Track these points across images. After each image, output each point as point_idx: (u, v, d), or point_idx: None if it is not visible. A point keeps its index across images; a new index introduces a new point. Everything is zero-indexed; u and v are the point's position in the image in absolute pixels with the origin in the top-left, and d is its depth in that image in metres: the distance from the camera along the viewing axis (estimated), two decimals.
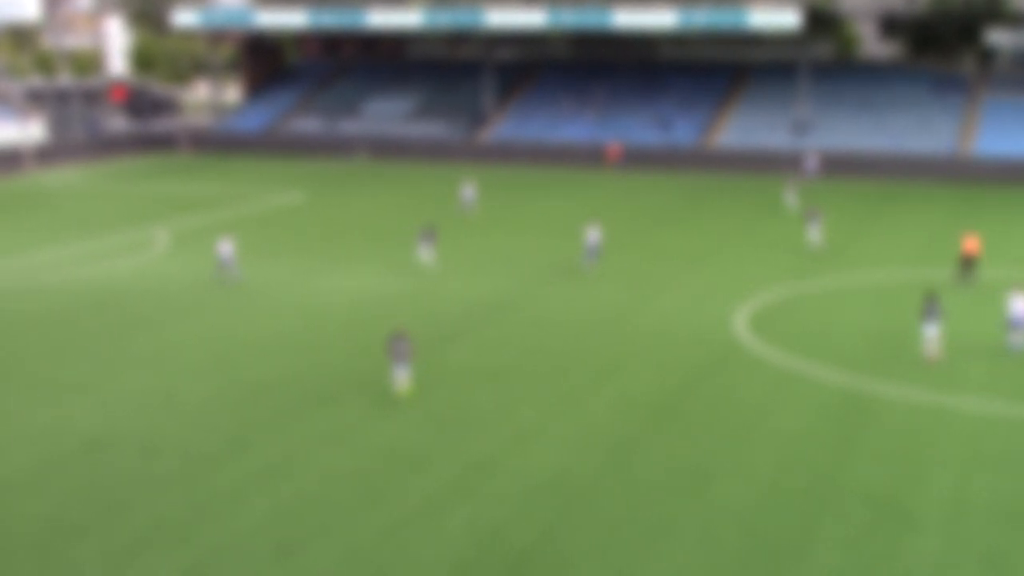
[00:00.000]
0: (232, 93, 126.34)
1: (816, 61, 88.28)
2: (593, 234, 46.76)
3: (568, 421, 29.25)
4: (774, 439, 27.90)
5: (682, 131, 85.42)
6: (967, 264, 44.00)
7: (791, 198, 62.84)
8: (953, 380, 32.44)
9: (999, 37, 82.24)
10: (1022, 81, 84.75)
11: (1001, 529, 22.83)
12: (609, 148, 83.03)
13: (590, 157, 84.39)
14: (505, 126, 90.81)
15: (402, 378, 30.84)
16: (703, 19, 79.62)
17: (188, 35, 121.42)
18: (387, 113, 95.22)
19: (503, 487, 25.07)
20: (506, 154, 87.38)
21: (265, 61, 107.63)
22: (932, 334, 33.62)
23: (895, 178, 76.32)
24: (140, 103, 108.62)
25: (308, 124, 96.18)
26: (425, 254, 47.71)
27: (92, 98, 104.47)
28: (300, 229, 58.60)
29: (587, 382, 32.49)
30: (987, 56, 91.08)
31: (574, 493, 24.70)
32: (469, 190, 62.15)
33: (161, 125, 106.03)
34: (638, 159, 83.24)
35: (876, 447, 27.35)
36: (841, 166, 77.92)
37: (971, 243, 44.22)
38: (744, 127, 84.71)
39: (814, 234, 51.27)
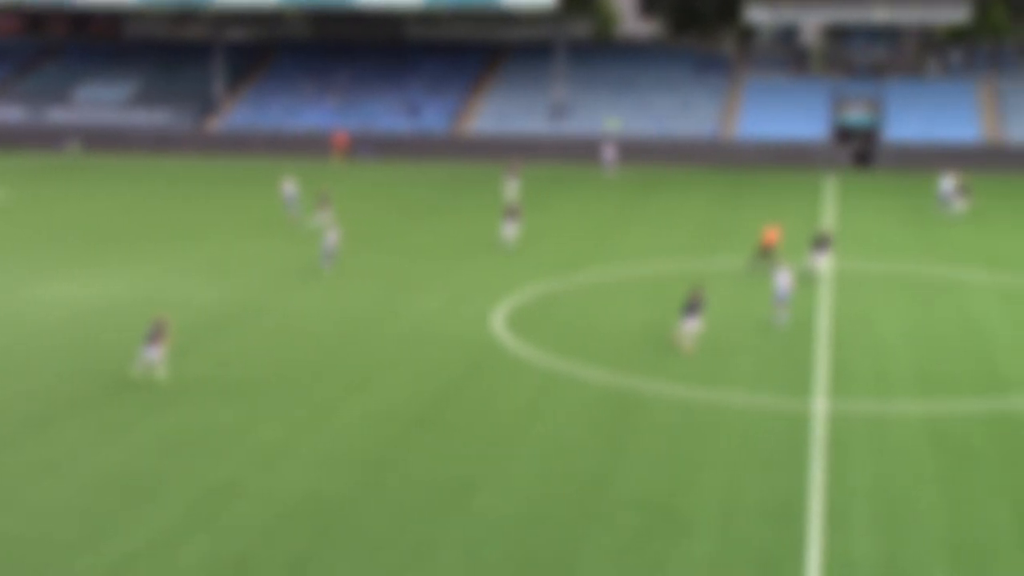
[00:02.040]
0: None
1: (574, 40, 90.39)
2: (331, 235, 46.50)
3: (317, 438, 29.11)
4: (538, 446, 28.51)
5: (432, 117, 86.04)
6: (765, 254, 46.10)
7: (511, 188, 63.14)
8: (721, 373, 33.89)
9: (758, 14, 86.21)
10: (782, 60, 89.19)
11: (772, 527, 24.03)
12: (335, 137, 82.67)
13: (330, 147, 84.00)
14: (238, 114, 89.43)
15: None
16: None
17: None
18: (102, 100, 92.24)
19: (246, 514, 24.74)
20: (240, 144, 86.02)
21: None
22: (690, 328, 35.06)
23: (659, 163, 78.98)
24: None
25: (8, 113, 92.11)
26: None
27: None
28: (4, 232, 56.17)
29: (337, 394, 32.40)
30: (747, 34, 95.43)
31: (326, 517, 24.61)
32: (290, 187, 59.08)
33: None
34: (385, 148, 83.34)
35: (645, 449, 28.32)
36: (599, 150, 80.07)
37: (771, 234, 46.57)
38: (499, 112, 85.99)
39: (509, 232, 51.01)
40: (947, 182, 60.88)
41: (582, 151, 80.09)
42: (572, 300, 42.60)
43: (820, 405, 31.39)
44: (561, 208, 61.79)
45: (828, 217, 59.14)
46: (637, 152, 79.44)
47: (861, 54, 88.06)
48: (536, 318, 40.06)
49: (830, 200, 64.85)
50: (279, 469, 27.15)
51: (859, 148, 79.16)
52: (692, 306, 35.02)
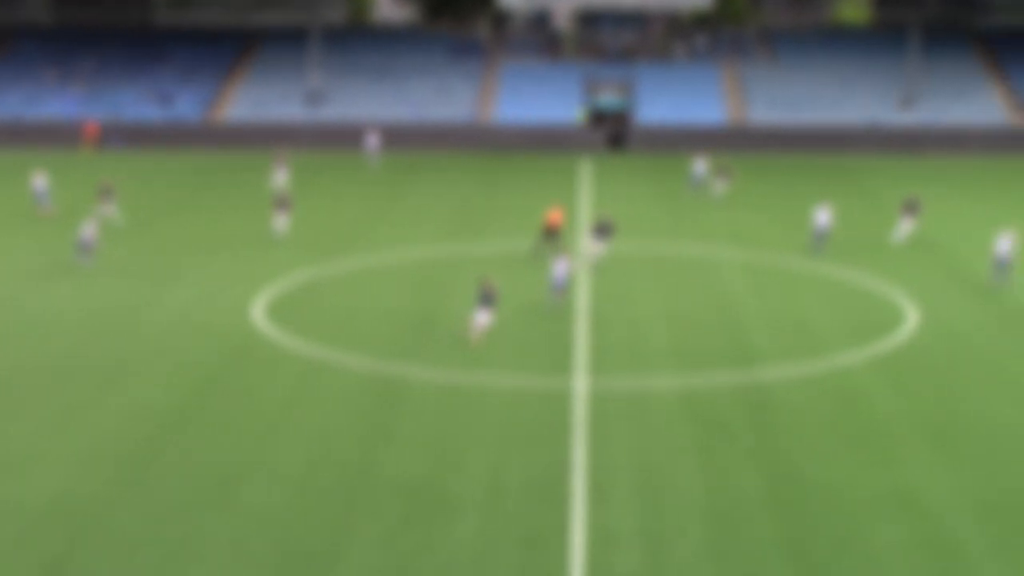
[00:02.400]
0: None
1: (328, 26, 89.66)
2: (88, 228, 44.92)
3: (68, 438, 28.12)
4: (303, 435, 28.29)
5: (185, 105, 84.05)
6: (550, 236, 46.09)
7: (279, 178, 62.19)
8: (485, 356, 34.25)
9: (511, 0, 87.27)
10: (535, 45, 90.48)
11: (537, 504, 24.46)
12: (87, 127, 79.99)
13: (78, 137, 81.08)
14: None
15: None
16: None
17: None
18: None
19: None
20: None
21: None
22: (482, 321, 35.02)
23: (419, 148, 79.12)
24: None
25: None
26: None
27: None
28: None
29: (90, 391, 31.37)
30: (501, 19, 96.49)
31: (81, 519, 23.84)
32: (40, 180, 56.09)
33: None
34: (136, 137, 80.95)
35: (410, 434, 28.43)
36: (359, 137, 79.73)
37: (555, 216, 46.61)
38: (255, 99, 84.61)
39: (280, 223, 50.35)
40: (700, 164, 62.85)
41: (341, 138, 79.54)
42: (334, 288, 42.34)
43: (580, 383, 32.06)
44: (322, 196, 61.25)
45: (584, 199, 60.33)
46: (397, 138, 79.34)
47: (611, 39, 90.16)
48: (298, 307, 39.66)
49: (586, 182, 66.18)
50: (27, 474, 26.14)
51: (612, 131, 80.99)
52: (485, 298, 35.11)
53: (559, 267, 38.64)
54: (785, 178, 68.28)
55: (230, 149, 79.57)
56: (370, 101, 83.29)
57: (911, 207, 50.04)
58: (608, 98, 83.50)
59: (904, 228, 49.64)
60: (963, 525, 23.72)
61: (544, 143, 79.94)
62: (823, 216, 47.60)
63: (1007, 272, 41.22)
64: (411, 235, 51.46)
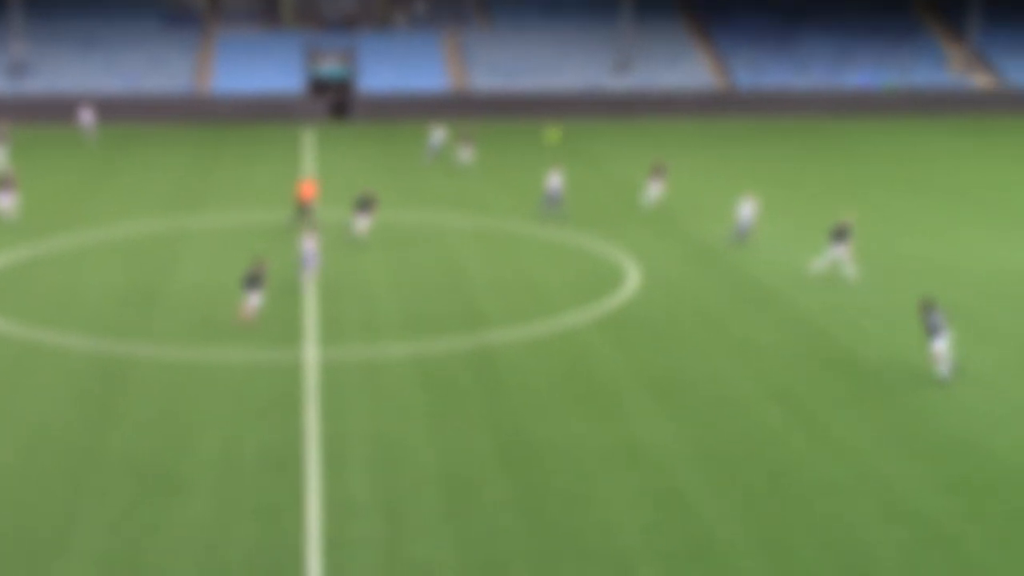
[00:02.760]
0: None
1: None
2: None
3: None
4: (21, 423, 27.16)
5: None
6: (303, 209, 45.35)
7: (1, 156, 59.53)
8: (212, 332, 33.64)
9: None
10: (250, 15, 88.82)
11: (271, 478, 24.24)
12: None
13: None
14: None
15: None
16: None
17: None
18: None
19: None
20: None
21: None
22: (253, 302, 33.98)
23: (133, 121, 76.73)
24: None
25: None
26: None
27: None
28: None
29: None
30: None
31: None
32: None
33: None
34: None
35: (137, 414, 27.68)
36: (69, 110, 76.77)
37: (307, 188, 45.75)
38: None
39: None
40: (438, 133, 62.77)
41: (49, 112, 76.40)
42: (51, 267, 40.70)
43: (312, 355, 31.89)
44: (34, 172, 58.69)
45: (309, 169, 59.84)
46: (110, 111, 76.72)
47: (331, 6, 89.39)
48: (8, 288, 37.98)
49: (309, 152, 65.64)
50: None
51: (335, 100, 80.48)
52: (252, 280, 33.96)
53: (307, 244, 37.87)
54: (508, 145, 69.27)
55: None
56: (79, 73, 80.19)
57: (658, 171, 50.67)
58: (330, 67, 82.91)
59: (653, 192, 50.49)
60: (686, 474, 24.75)
61: (265, 113, 78.84)
62: (555, 181, 48.14)
63: (746, 236, 42.74)
64: (130, 210, 49.96)
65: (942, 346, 29.05)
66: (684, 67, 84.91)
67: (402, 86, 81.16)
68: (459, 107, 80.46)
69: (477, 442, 26.27)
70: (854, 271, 38.63)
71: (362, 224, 43.51)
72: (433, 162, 62.13)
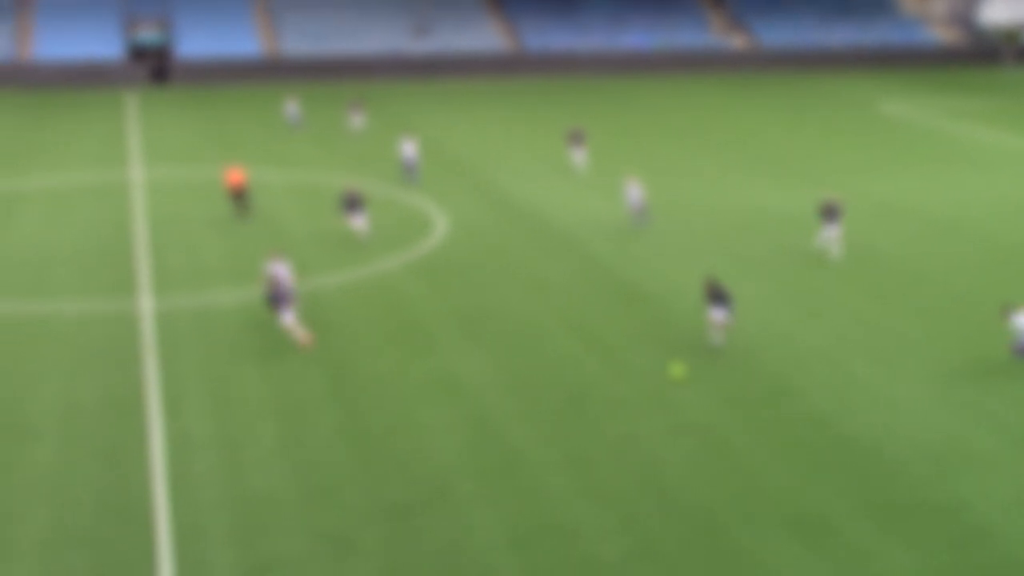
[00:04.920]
0: None
1: None
2: None
3: None
4: None
5: None
6: (238, 196, 40.27)
7: None
8: (45, 288, 32.49)
9: None
10: None
11: (114, 422, 23.66)
12: None
13: None
14: None
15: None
16: None
17: None
18: None
19: None
20: None
21: None
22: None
23: None
24: None
25: None
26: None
27: None
28: None
29: None
30: None
31: None
32: None
33: None
34: None
35: None
36: None
37: (235, 175, 40.36)
38: None
39: None
40: (292, 105, 60.01)
41: None
42: None
43: (146, 304, 31.11)
44: None
45: (133, 131, 57.95)
46: None
47: None
48: None
49: (132, 116, 63.51)
50: None
51: (154, 66, 77.93)
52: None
53: (280, 271, 29.31)
54: (321, 105, 68.25)
55: None
56: None
57: (576, 137, 48.91)
58: (148, 34, 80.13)
59: (577, 157, 48.68)
60: (495, 400, 25.11)
61: (87, 79, 75.89)
62: (409, 149, 46.00)
63: (645, 215, 39.74)
64: None
65: (720, 316, 27.68)
66: (478, 32, 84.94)
67: (217, 51, 79.06)
68: (271, 71, 78.87)
69: (306, 378, 26.12)
70: (839, 252, 36.15)
71: (359, 223, 36.89)
72: (300, 131, 58.68)
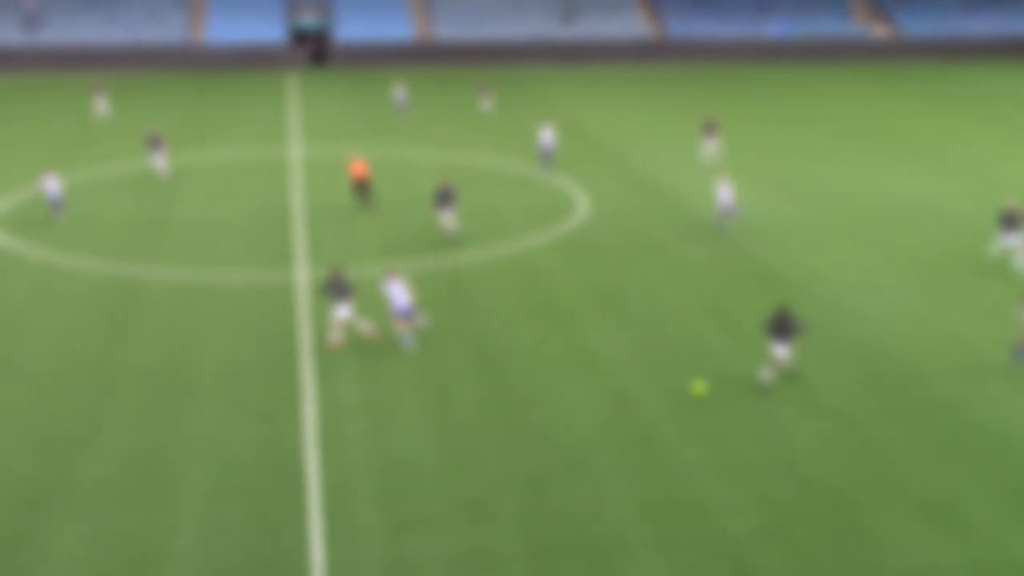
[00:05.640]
0: None
1: None
2: None
3: None
4: (44, 336, 27.00)
5: None
6: (360, 188, 38.97)
7: (101, 105, 57.63)
8: (212, 257, 33.42)
9: None
10: None
11: (271, 385, 24.25)
12: None
13: None
14: None
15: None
16: None
17: None
18: None
19: None
20: None
21: None
22: (341, 315, 26.40)
23: (131, 70, 75.42)
24: None
25: None
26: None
27: None
28: None
29: None
30: None
31: None
32: None
33: None
34: None
35: (149, 329, 27.56)
36: (81, 60, 75.32)
37: (358, 167, 38.96)
38: None
39: None
40: (399, 90, 60.14)
41: (61, 61, 74.93)
42: (67, 199, 40.12)
43: (302, 275, 31.77)
44: (40, 117, 57.69)
45: (294, 109, 59.15)
46: (112, 61, 75.35)
47: None
48: (29, 217, 37.47)
49: (293, 96, 64.83)
50: None
51: (314, 49, 79.39)
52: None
53: (396, 291, 26.25)
54: (467, 88, 68.66)
55: None
56: (84, 25, 78.54)
57: (710, 127, 47.29)
58: (308, 19, 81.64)
59: (709, 148, 47.12)
60: (632, 376, 24.99)
61: (252, 61, 77.69)
62: (547, 136, 44.87)
63: (731, 217, 36.89)
64: (134, 148, 49.24)
65: (782, 352, 23.95)
66: (623, 18, 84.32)
67: (374, 35, 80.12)
68: (423, 55, 79.60)
69: (450, 350, 26.36)
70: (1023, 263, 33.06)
71: (447, 217, 35.04)
72: (406, 116, 58.40)
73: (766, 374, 24.33)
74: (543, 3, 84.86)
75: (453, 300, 29.76)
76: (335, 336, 26.35)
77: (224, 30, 79.41)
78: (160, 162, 42.68)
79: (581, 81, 71.79)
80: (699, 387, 23.93)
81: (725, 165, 46.15)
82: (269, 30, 79.81)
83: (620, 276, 32.08)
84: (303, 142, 50.28)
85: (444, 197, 34.60)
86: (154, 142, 42.56)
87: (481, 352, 26.30)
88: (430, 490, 19.94)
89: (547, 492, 19.92)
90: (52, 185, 36.14)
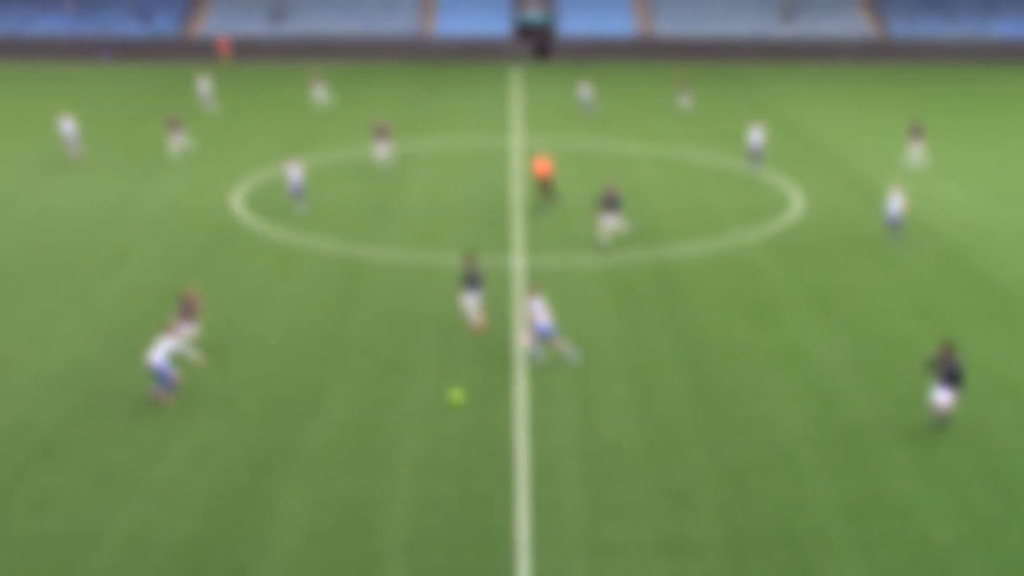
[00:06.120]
0: None
1: None
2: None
3: (78, 313, 27.93)
4: (280, 309, 28.28)
5: (163, 21, 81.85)
6: (544, 187, 38.44)
7: (319, 92, 60.30)
8: (434, 240, 34.27)
9: None
10: None
11: (483, 368, 24.71)
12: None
13: (74, 51, 78.80)
14: None
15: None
16: None
17: None
18: None
19: (21, 383, 23.67)
20: None
21: None
22: (471, 303, 26.99)
23: (365, 60, 77.88)
24: None
25: None
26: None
27: None
28: None
29: (94, 275, 31.05)
30: None
31: (93, 380, 23.80)
32: (68, 124, 53.83)
33: None
34: (122, 52, 78.89)
35: (373, 306, 28.50)
36: (319, 50, 78.31)
37: (542, 165, 38.28)
38: (224, 15, 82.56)
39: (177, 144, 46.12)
40: (585, 89, 59.28)
41: (301, 51, 78.10)
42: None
43: (518, 262, 32.22)
44: (279, 103, 60.27)
45: (516, 101, 59.89)
46: (345, 50, 78.01)
47: None
48: (269, 199, 39.27)
49: (515, 88, 65.64)
50: (45, 343, 25.98)
51: (537, 43, 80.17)
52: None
53: (537, 309, 25.07)
54: (696, 87, 67.99)
55: (201, 61, 77.71)
56: (323, 17, 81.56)
57: (916, 131, 44.90)
58: (533, 14, 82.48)
59: (915, 153, 44.88)
60: (839, 374, 24.37)
61: (478, 54, 79.03)
62: (756, 135, 43.92)
63: (900, 230, 34.86)
64: (363, 135, 50.86)
65: (945, 399, 21.52)
66: (844, 17, 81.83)
67: (595, 30, 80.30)
68: (644, 51, 79.28)
69: (657, 341, 26.30)
70: None
71: (611, 223, 33.87)
72: (589, 114, 56.86)
73: (935, 415, 21.52)
74: (764, 1, 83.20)
75: (661, 292, 29.64)
76: (477, 319, 26.71)
77: (453, 23, 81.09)
78: (383, 151, 43.84)
79: (798, 80, 70.07)
80: (456, 395, 22.92)
81: (930, 170, 44.30)
82: (495, 24, 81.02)
83: (832, 274, 31.27)
84: (523, 132, 50.87)
85: (609, 202, 33.63)
86: (381, 132, 43.85)
87: (688, 343, 26.13)
88: (632, 476, 19.98)
89: (748, 485, 19.67)
90: (295, 173, 37.35)
